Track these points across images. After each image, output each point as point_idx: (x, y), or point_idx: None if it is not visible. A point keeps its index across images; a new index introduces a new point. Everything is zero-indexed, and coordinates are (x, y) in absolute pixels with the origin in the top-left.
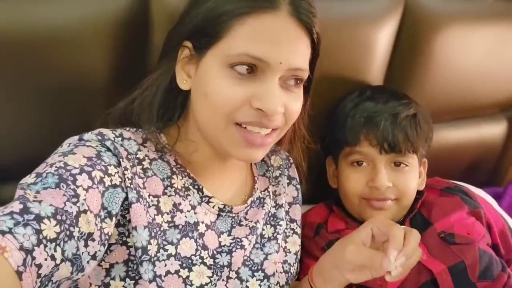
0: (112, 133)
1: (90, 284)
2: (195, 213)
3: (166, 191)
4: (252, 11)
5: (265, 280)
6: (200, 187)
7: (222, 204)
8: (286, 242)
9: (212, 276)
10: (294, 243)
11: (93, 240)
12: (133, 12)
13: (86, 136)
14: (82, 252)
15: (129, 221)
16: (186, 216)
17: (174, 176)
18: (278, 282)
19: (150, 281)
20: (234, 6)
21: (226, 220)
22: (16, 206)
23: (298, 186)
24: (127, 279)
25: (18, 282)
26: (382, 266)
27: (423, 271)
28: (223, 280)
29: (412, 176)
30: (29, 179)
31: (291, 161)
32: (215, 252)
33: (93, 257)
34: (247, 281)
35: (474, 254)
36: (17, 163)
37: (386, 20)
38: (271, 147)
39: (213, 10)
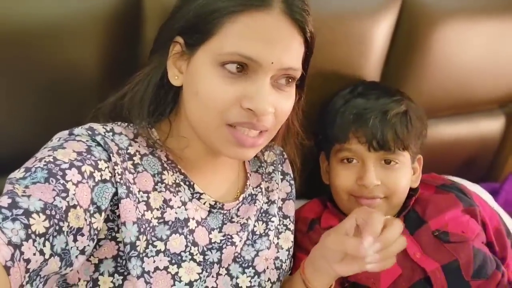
0: (103, 127)
1: (79, 279)
2: (185, 209)
3: (156, 187)
4: (244, 9)
5: (256, 276)
6: (191, 183)
7: (213, 201)
8: (278, 238)
9: (201, 273)
10: (287, 240)
11: (82, 235)
12: (126, 5)
13: (76, 130)
14: (71, 247)
15: (119, 216)
16: (176, 212)
17: (165, 172)
18: (269, 279)
19: (138, 277)
20: (226, 4)
21: (217, 216)
22: (4, 200)
23: (292, 182)
24: (116, 275)
25: (6, 277)
26: (358, 252)
27: (417, 269)
28: (212, 276)
29: (402, 174)
30: (18, 173)
31: (285, 156)
32: (205, 249)
33: (82, 252)
34: (237, 277)
35: (469, 252)
36: (9, 156)
37: (383, 15)
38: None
39: (204, 6)
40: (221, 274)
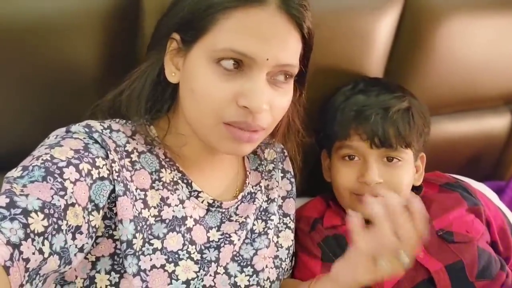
0: (100, 125)
1: (76, 277)
2: (183, 208)
3: (153, 185)
4: (239, 5)
5: (254, 275)
6: (189, 181)
7: (211, 199)
8: (278, 237)
9: (198, 271)
10: (287, 238)
11: (81, 233)
12: (125, 1)
13: (74, 128)
14: (70, 245)
15: (116, 214)
16: (174, 211)
17: (163, 170)
18: (268, 278)
19: (134, 275)
20: (220, 0)
21: (216, 215)
22: (2, 200)
23: (293, 180)
24: (112, 273)
25: (6, 277)
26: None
27: (420, 269)
28: (210, 275)
29: (405, 172)
30: (15, 172)
31: (286, 154)
32: (203, 247)
33: (81, 249)
34: (235, 276)
35: (473, 252)
36: (6, 153)
37: (386, 10)
38: (266, 140)
39: (199, 3)
40: (219, 273)
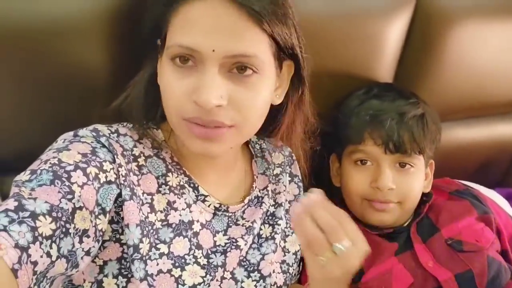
0: (108, 129)
1: (84, 280)
2: (190, 212)
3: (160, 189)
4: (182, 0)
5: (261, 280)
6: (196, 185)
7: (218, 203)
8: (285, 241)
9: (205, 276)
10: (294, 243)
11: (88, 236)
12: (133, 4)
13: (81, 132)
14: (77, 249)
15: (123, 218)
16: (180, 215)
17: (170, 174)
18: (275, 283)
19: (141, 280)
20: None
21: (222, 219)
22: (11, 203)
23: (300, 184)
24: (120, 277)
25: (14, 280)
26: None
27: (429, 278)
28: (217, 280)
29: (417, 178)
30: (23, 176)
31: (294, 157)
32: (209, 252)
33: (87, 253)
34: (242, 281)
35: (483, 262)
36: (14, 156)
37: (397, 15)
38: (273, 143)
39: (155, 8)
40: (226, 278)
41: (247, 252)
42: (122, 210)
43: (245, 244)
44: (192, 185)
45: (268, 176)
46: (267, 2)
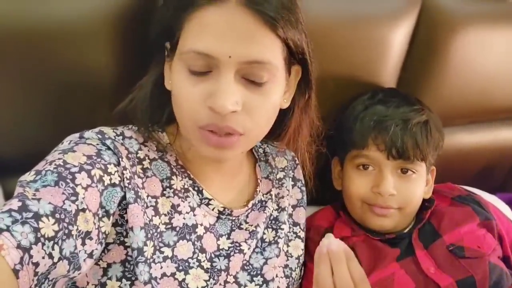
0: (113, 131)
1: (88, 283)
2: (194, 215)
3: (164, 192)
4: (197, 6)
5: (264, 285)
6: (200, 188)
7: (222, 207)
8: (288, 246)
9: (208, 280)
10: (297, 247)
11: (91, 238)
12: (140, 7)
13: (87, 134)
14: (80, 251)
15: (127, 221)
16: (184, 218)
17: (174, 177)
18: (278, 287)
19: (146, 283)
20: (179, 4)
21: (226, 223)
22: (14, 203)
23: (303, 188)
24: (124, 280)
25: (15, 280)
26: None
27: (430, 284)
28: (220, 284)
29: (418, 185)
30: (28, 176)
31: (297, 162)
32: (213, 256)
33: (90, 255)
34: (245, 285)
35: (484, 268)
36: (20, 157)
37: (401, 20)
38: (276, 147)
39: (167, 11)
40: (229, 282)
41: (250, 256)
42: (126, 213)
43: (249, 248)
44: (196, 188)
45: (272, 181)
46: (280, 7)
